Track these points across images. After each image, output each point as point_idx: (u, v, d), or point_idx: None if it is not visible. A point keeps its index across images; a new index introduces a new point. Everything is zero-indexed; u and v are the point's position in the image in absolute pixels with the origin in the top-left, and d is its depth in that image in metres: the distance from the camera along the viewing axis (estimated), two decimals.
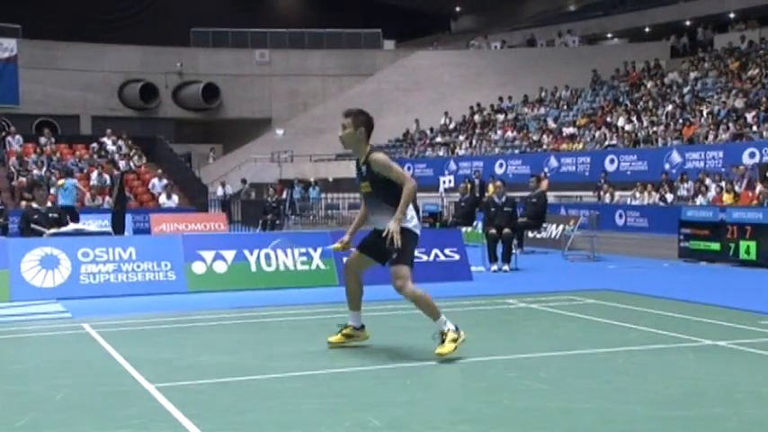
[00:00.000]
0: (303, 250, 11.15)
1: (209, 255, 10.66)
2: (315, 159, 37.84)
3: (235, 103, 43.59)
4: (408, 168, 31.86)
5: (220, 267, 10.65)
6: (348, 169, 35.14)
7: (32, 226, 11.68)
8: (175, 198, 24.67)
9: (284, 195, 28.56)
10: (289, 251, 11.06)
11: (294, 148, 38.49)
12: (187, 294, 10.16)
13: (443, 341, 6.10)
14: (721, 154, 21.96)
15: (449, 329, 6.13)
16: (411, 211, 6.21)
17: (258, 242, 11.29)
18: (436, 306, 6.23)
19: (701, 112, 25.20)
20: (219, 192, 29.32)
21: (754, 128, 22.56)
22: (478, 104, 36.00)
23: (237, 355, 6.49)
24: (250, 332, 7.72)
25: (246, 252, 10.86)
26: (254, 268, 10.80)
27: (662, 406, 4.85)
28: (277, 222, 21.52)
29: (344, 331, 6.69)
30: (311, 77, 44.17)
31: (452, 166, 30.35)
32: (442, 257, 11.64)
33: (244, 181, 30.74)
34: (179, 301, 9.59)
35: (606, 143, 26.63)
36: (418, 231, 6.33)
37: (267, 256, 10.91)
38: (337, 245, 6.71)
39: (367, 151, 6.31)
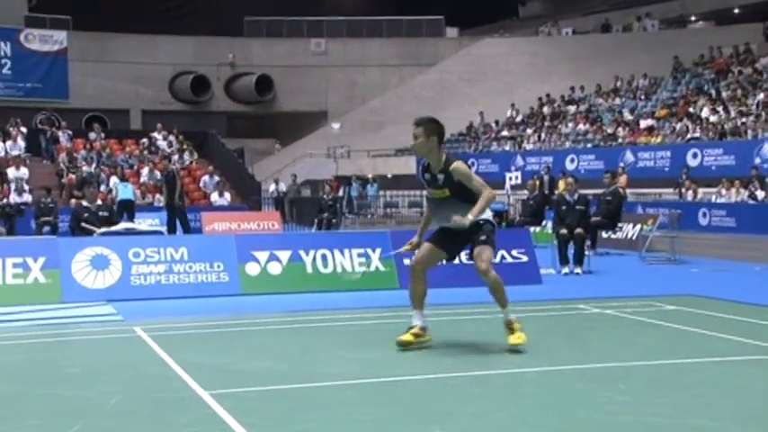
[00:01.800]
0: (361, 251, 11.19)
1: (263, 255, 10.78)
2: (373, 155, 37.97)
3: (289, 95, 44.08)
4: (472, 164, 31.71)
5: (275, 269, 10.77)
6: (408, 166, 35.16)
7: (83, 225, 12.01)
8: (227, 196, 25.08)
9: (341, 193, 28.74)
10: (346, 251, 11.11)
11: (351, 142, 38.71)
12: (240, 296, 10.29)
13: (513, 330, 6.65)
14: None
15: (515, 319, 6.72)
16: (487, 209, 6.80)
17: (314, 242, 11.38)
18: (507, 297, 6.81)
19: None
20: (272, 189, 29.68)
21: None
22: (548, 95, 35.59)
23: (292, 361, 6.56)
24: (305, 337, 7.79)
25: (302, 252, 10.95)
26: (310, 270, 10.89)
27: (758, 423, 4.71)
28: (333, 221, 21.65)
29: (413, 331, 6.88)
30: (369, 68, 44.35)
31: (519, 161, 30.09)
32: (509, 259, 11.52)
33: (294, 177, 31.06)
34: (232, 304, 9.74)
35: (688, 136, 26.03)
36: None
37: (324, 257, 10.98)
38: (407, 246, 7.21)
39: (443, 159, 6.72)
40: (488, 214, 6.80)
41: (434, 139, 6.66)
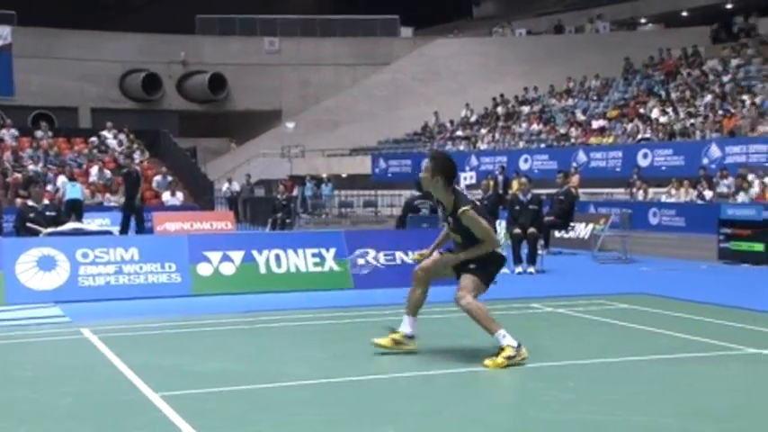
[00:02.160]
0: (315, 251, 11.18)
1: (215, 256, 10.71)
2: (328, 154, 37.89)
3: (242, 94, 43.78)
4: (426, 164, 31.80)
5: (228, 269, 10.71)
6: (363, 165, 35.19)
7: (28, 225, 11.79)
8: (180, 195, 24.81)
9: (295, 192, 28.63)
10: (300, 251, 11.09)
11: (305, 142, 38.59)
12: (192, 297, 10.21)
13: (497, 354, 6.23)
14: (766, 148, 21.79)
15: (508, 345, 6.24)
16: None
17: (268, 242, 11.33)
18: (492, 320, 6.40)
19: (743, 102, 25.00)
20: (226, 188, 29.45)
21: None
22: (502, 95, 35.90)
23: (246, 362, 6.53)
24: (259, 338, 7.76)
25: (255, 253, 10.91)
26: (263, 270, 10.85)
27: (696, 420, 4.82)
28: (287, 221, 21.57)
29: (394, 336, 6.71)
30: (324, 67, 44.27)
31: (474, 161, 30.31)
32: None
33: (248, 177, 30.86)
34: (184, 305, 9.65)
35: (639, 136, 26.48)
36: (504, 254, 6.75)
37: (277, 257, 10.95)
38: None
39: (452, 200, 6.47)
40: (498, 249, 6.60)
41: (438, 179, 6.42)
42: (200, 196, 26.53)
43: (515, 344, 6.25)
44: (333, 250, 11.21)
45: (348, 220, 28.71)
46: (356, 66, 44.08)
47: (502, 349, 6.22)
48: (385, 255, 11.38)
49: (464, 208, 6.37)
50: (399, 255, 11.44)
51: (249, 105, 44.11)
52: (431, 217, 13.29)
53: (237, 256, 10.81)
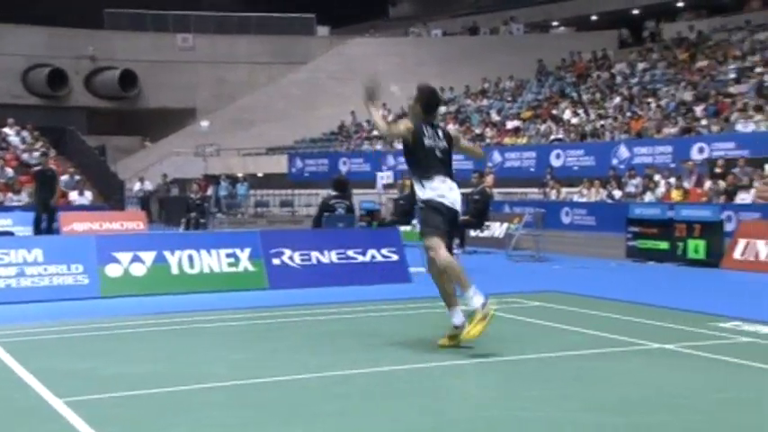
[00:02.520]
0: (230, 251, 11.02)
1: (125, 256, 10.44)
2: (243, 153, 37.48)
3: (155, 91, 42.84)
4: (344, 164, 31.86)
5: (138, 270, 10.45)
6: (280, 164, 34.95)
7: None
8: (88, 195, 24.12)
9: (209, 192, 28.20)
10: (213, 251, 10.92)
11: (221, 141, 38.07)
12: (101, 300, 9.94)
13: (470, 321, 6.37)
14: (670, 149, 22.59)
15: (476, 309, 6.36)
16: (440, 183, 6.66)
17: (181, 242, 11.11)
18: (465, 278, 6.50)
19: (650, 104, 25.87)
20: (137, 188, 28.77)
21: (703, 122, 23.25)
22: None
23: (156, 364, 6.37)
24: (170, 340, 7.59)
25: (167, 253, 10.68)
26: (175, 270, 10.64)
27: (606, 413, 4.95)
28: (201, 221, 21.22)
29: (450, 333, 6.72)
30: (239, 65, 43.74)
31: (391, 160, 30.44)
32: (380, 258, 11.67)
33: (164, 176, 30.25)
34: (92, 308, 9.37)
35: (552, 137, 27.10)
36: (445, 201, 6.64)
37: (190, 258, 10.75)
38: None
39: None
40: (437, 192, 6.64)
41: (417, 106, 7.03)
42: (110, 196, 25.85)
43: (482, 302, 6.37)
44: (248, 250, 11.08)
45: (264, 219, 28.45)
46: (272, 64, 43.71)
47: (472, 316, 6.36)
48: (301, 255, 11.30)
49: (406, 120, 6.88)
50: (315, 255, 11.38)
51: (162, 103, 43.20)
52: (347, 216, 13.29)
53: (148, 256, 10.56)
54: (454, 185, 6.77)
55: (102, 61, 42.37)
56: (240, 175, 32.98)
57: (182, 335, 7.86)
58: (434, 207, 6.62)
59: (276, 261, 11.14)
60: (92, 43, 42.05)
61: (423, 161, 6.69)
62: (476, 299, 6.39)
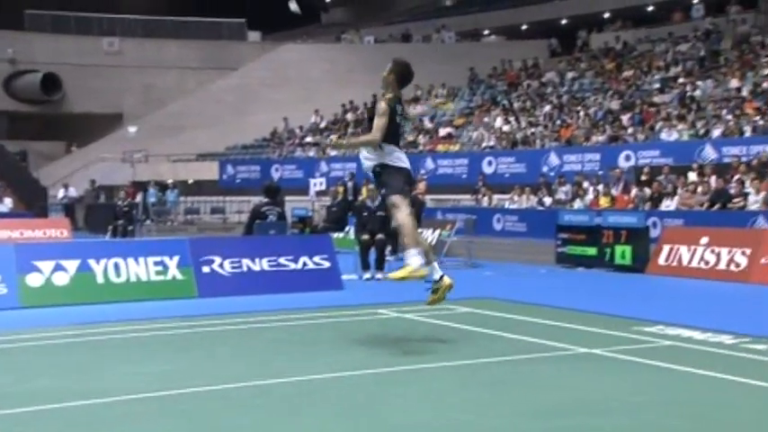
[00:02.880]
0: (158, 259, 10.83)
1: (47, 265, 10.16)
2: (173, 160, 36.90)
3: (80, 96, 41.83)
4: (277, 170, 31.67)
5: (61, 279, 10.18)
6: (211, 171, 34.51)
7: None
8: (8, 202, 23.42)
9: (138, 199, 27.69)
10: (141, 259, 10.71)
11: (149, 147, 37.40)
12: (21, 310, 9.64)
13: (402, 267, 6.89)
14: (598, 156, 23.11)
15: (409, 264, 6.84)
16: (400, 153, 7.27)
17: (106, 250, 10.87)
18: (415, 239, 7.00)
19: (579, 113, 26.43)
20: (61, 194, 28.04)
21: (630, 130, 23.86)
22: (351, 102, 36.23)
23: (74, 377, 6.20)
24: (91, 351, 7.40)
25: (92, 262, 10.44)
26: (101, 279, 10.40)
27: (532, 418, 5.02)
28: (129, 228, 20.81)
29: (432, 287, 7.20)
30: (168, 70, 43.06)
31: (324, 167, 30.39)
32: (311, 265, 11.63)
33: (92, 182, 29.55)
34: (10, 318, 9.08)
35: (484, 144, 27.44)
36: (405, 165, 7.25)
37: (116, 266, 10.53)
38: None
39: (387, 94, 7.39)
40: (393, 158, 7.18)
41: (392, 77, 7.49)
42: (33, 203, 25.13)
43: (420, 263, 6.84)
44: (176, 258, 10.90)
45: (195, 227, 28.07)
46: (202, 69, 43.16)
47: (405, 265, 6.85)
48: (231, 262, 11.18)
49: (383, 99, 7.26)
50: (246, 262, 11.27)
51: (88, 108, 42.19)
52: (278, 223, 13.21)
53: (72, 265, 10.29)
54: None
55: (23, 64, 41.15)
56: (170, 181, 32.46)
57: (104, 346, 7.67)
58: (398, 168, 7.15)
59: (206, 269, 10.99)
60: (11, 45, 40.78)
61: (390, 133, 7.18)
62: (414, 259, 6.87)
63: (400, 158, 7.23)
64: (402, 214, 6.97)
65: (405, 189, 7.15)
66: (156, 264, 10.77)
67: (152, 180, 31.89)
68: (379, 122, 7.07)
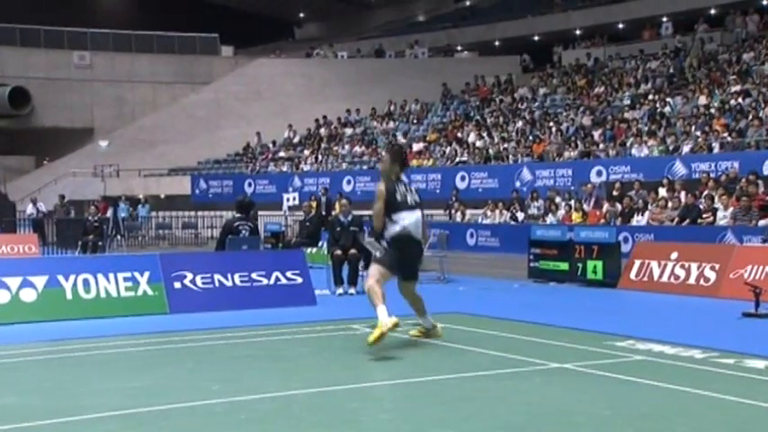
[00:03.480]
0: (128, 274, 10.75)
1: (14, 281, 10.04)
2: (144, 174, 36.71)
3: (50, 110, 41.49)
4: (250, 185, 31.60)
5: (28, 296, 10.06)
6: (182, 185, 34.36)
7: None
8: None
9: (108, 214, 27.47)
10: (111, 275, 10.64)
11: (120, 161, 37.19)
12: None
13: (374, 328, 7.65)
14: (570, 172, 23.35)
15: (380, 322, 7.61)
16: (402, 221, 8.02)
17: (75, 266, 10.77)
18: (379, 298, 7.82)
19: (551, 128, 26.69)
20: (30, 210, 27.74)
21: (601, 146, 24.15)
22: (324, 117, 36.32)
23: (44, 395, 6.14)
24: (62, 368, 7.33)
25: (61, 278, 10.33)
26: (69, 296, 10.29)
27: None
28: (99, 244, 20.63)
29: (420, 328, 8.50)
30: (140, 84, 42.89)
31: (297, 182, 30.39)
32: (284, 281, 11.59)
33: (62, 197, 29.27)
34: None
35: (457, 159, 27.60)
36: (404, 227, 8.04)
37: (86, 282, 10.44)
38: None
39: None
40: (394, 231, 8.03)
41: (396, 166, 8.28)
42: (0, 218, 24.82)
43: (384, 316, 7.61)
44: (147, 274, 10.82)
45: (166, 242, 27.88)
46: (175, 84, 43.05)
47: (376, 325, 7.57)
48: (203, 278, 11.13)
49: (381, 182, 8.15)
50: (218, 278, 11.23)
51: (58, 122, 41.86)
52: (251, 238, 13.18)
53: (40, 281, 10.18)
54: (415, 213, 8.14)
55: None
56: (141, 196, 32.25)
57: (74, 363, 7.60)
58: (394, 243, 8.03)
59: (177, 284, 10.92)
60: None
61: (393, 208, 8.01)
62: (381, 315, 7.69)
63: (402, 225, 7.99)
64: (371, 281, 7.94)
65: (389, 265, 8.00)
66: (127, 279, 10.68)
67: (123, 195, 31.68)
68: (375, 208, 8.02)
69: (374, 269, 8.01)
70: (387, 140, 31.96)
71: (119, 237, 25.65)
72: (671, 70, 28.70)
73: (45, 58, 41.62)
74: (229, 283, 11.26)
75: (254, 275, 11.41)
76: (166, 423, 5.33)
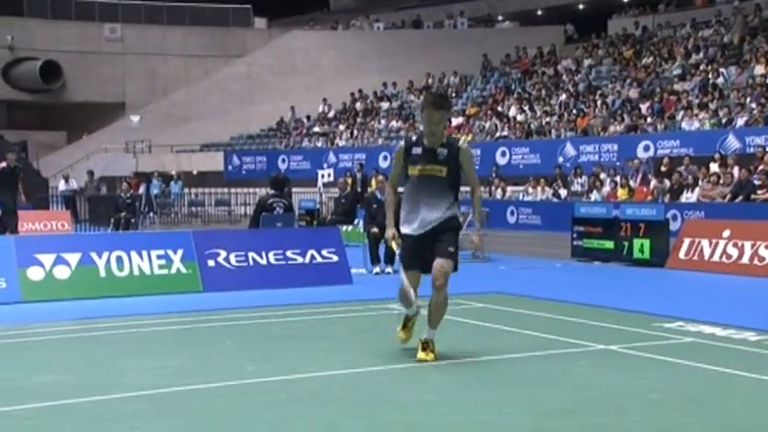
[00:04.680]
0: (161, 252, 10.87)
1: (48, 258, 10.21)
2: (177, 150, 37.03)
3: (81, 84, 42.01)
4: (283, 161, 31.72)
5: (62, 273, 10.23)
6: (215, 161, 34.60)
7: None
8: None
9: (141, 191, 27.78)
10: (144, 253, 10.76)
11: (153, 137, 37.54)
12: (21, 304, 9.70)
13: (425, 349, 6.56)
14: (616, 147, 23.06)
15: (433, 339, 6.59)
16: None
17: (108, 243, 10.92)
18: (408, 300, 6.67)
19: (596, 102, 26.36)
20: (62, 186, 28.17)
21: (649, 119, 23.79)
22: (360, 91, 36.24)
23: (81, 373, 6.25)
24: (97, 346, 7.45)
25: (94, 255, 10.48)
26: (103, 273, 10.44)
27: (548, 417, 5.03)
28: (132, 221, 20.90)
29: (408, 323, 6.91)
30: (172, 58, 43.19)
31: (332, 158, 30.43)
32: (319, 259, 11.63)
33: (90, 173, 29.66)
34: (11, 313, 9.15)
35: (497, 134, 27.40)
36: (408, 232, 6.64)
37: (119, 259, 10.58)
38: (393, 244, 6.76)
39: (446, 135, 6.73)
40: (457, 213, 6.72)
41: (446, 113, 6.72)
42: (33, 195, 25.22)
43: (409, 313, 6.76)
44: (180, 251, 10.93)
45: (199, 219, 28.15)
46: (207, 57, 43.27)
47: (427, 343, 6.55)
48: (236, 256, 11.21)
49: (463, 144, 6.72)
50: (252, 255, 11.30)
51: (89, 97, 42.38)
52: (286, 216, 13.23)
53: (74, 258, 10.34)
54: None
55: (22, 51, 41.32)
56: (173, 172, 32.56)
57: (108, 341, 7.72)
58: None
59: (211, 262, 11.02)
60: (10, 31, 40.95)
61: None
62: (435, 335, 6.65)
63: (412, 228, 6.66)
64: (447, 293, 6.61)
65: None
66: (160, 257, 10.80)
67: (155, 171, 32.00)
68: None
69: (451, 267, 6.53)
70: None
71: (151, 214, 25.97)
72: (725, 39, 28.08)
73: (75, 31, 42.07)
74: (264, 262, 11.32)
75: (288, 254, 11.46)
76: (199, 403, 5.39)
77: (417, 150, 6.61)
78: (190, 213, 28.93)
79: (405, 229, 6.63)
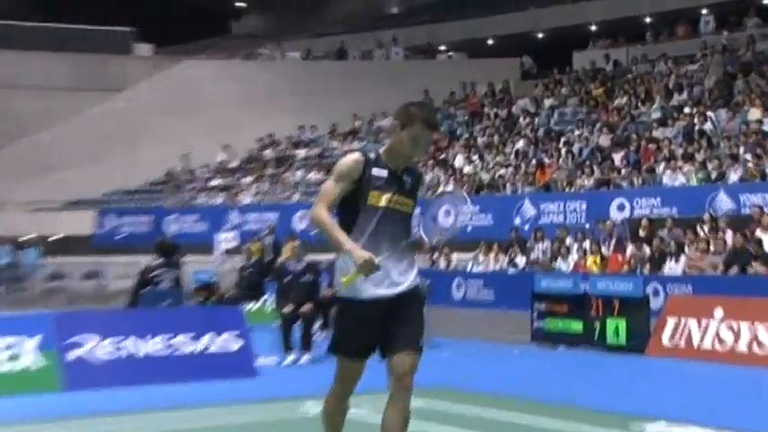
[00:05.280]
0: (9, 341, 10.62)
1: None
2: (33, 209, 36.38)
3: None
4: (173, 222, 31.47)
5: None
6: (84, 223, 34.05)
7: None
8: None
9: None
10: None
11: (3, 191, 36.85)
12: None
13: None
14: (584, 206, 23.43)
15: None
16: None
17: None
18: None
19: (560, 150, 26.89)
20: None
21: (623, 172, 24.30)
22: (270, 135, 36.36)
23: None
24: None
25: None
26: None
27: None
28: None
29: None
30: (30, 90, 42.66)
31: (235, 218, 30.26)
32: (216, 346, 11.60)
33: None
34: None
35: (440, 189, 27.68)
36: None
37: None
38: (346, 279, 5.60)
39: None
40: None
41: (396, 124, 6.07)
42: None
43: None
44: (36, 339, 10.75)
45: (62, 296, 27.60)
46: (77, 91, 42.84)
47: None
48: (110, 344, 11.05)
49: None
50: (130, 343, 11.14)
51: None
52: (174, 291, 13.10)
53: None
54: None
55: None
56: (28, 237, 31.93)
57: None
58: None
59: (75, 353, 10.84)
60: None
61: None
62: None
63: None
64: None
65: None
66: (8, 347, 10.61)
67: (5, 236, 31.34)
68: None
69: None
70: None
71: None
72: (714, 77, 28.96)
73: None
74: (144, 351, 11.23)
75: (177, 340, 11.42)
76: None
77: (382, 173, 5.77)
78: (49, 289, 28.36)
79: (348, 291, 5.67)
